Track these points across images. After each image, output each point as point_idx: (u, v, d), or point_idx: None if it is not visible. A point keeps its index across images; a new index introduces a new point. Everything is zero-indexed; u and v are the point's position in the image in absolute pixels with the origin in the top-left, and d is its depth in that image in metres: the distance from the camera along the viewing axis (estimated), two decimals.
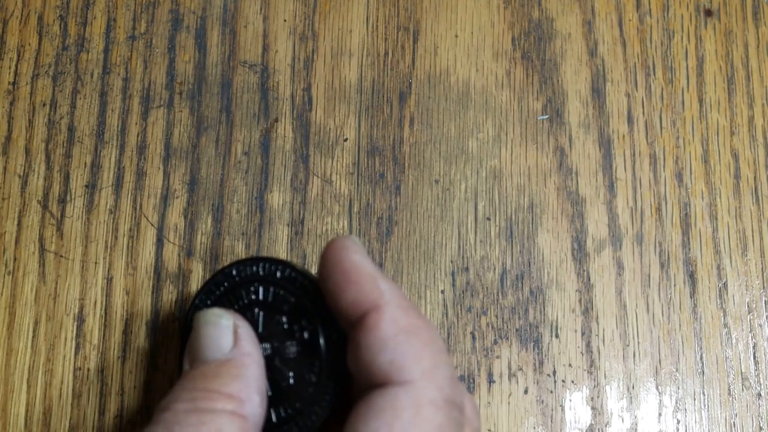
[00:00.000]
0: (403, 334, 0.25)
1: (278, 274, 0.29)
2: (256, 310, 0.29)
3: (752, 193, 0.37)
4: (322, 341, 0.27)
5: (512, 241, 0.36)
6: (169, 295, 0.35)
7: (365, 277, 0.26)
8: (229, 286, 0.29)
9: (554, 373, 0.35)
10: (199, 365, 0.27)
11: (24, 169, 0.36)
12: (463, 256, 0.36)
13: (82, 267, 0.35)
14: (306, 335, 0.28)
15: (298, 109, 0.37)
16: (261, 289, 0.29)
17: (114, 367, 0.35)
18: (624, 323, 0.35)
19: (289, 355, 0.28)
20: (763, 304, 0.36)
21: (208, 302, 0.30)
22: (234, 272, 0.29)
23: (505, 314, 0.35)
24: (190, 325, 0.29)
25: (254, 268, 0.29)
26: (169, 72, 0.38)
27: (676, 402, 0.34)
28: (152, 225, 0.36)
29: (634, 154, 0.37)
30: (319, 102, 0.37)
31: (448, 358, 0.25)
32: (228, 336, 0.27)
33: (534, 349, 0.35)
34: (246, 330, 0.27)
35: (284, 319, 0.28)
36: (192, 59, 0.38)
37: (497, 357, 0.35)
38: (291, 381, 0.28)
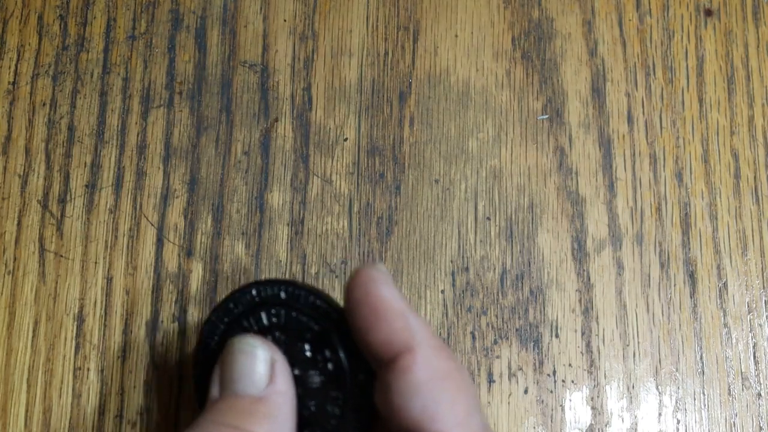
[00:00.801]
0: (436, 379, 0.23)
1: (301, 299, 0.27)
2: (277, 333, 0.27)
3: (752, 193, 0.37)
4: (348, 376, 0.26)
5: (512, 241, 0.36)
6: (169, 295, 0.35)
7: (396, 315, 0.24)
8: (248, 307, 0.28)
9: (554, 373, 0.35)
10: (230, 397, 0.25)
11: (24, 169, 0.36)
12: (463, 256, 0.36)
13: (82, 267, 0.35)
14: (330, 367, 0.27)
15: (298, 109, 0.37)
16: (283, 313, 0.28)
17: (114, 367, 0.35)
18: (624, 323, 0.35)
19: (312, 385, 0.27)
20: (763, 304, 0.36)
21: (225, 320, 0.28)
22: (254, 292, 0.28)
23: (505, 314, 0.35)
24: (206, 342, 0.28)
25: (276, 291, 0.28)
26: (169, 72, 0.38)
27: (676, 402, 0.34)
28: (152, 225, 0.36)
29: (634, 154, 0.37)
30: (319, 102, 0.37)
31: (478, 403, 0.24)
32: (264, 370, 0.25)
33: (534, 349, 0.35)
34: (282, 366, 0.26)
35: (307, 346, 0.27)
36: (192, 59, 0.38)
37: (497, 357, 0.35)
38: (312, 409, 0.27)
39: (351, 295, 0.25)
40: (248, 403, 0.25)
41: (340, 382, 0.27)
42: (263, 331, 0.28)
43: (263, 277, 0.33)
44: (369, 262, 0.25)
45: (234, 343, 0.26)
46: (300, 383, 0.27)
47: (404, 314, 0.24)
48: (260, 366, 0.25)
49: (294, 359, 0.27)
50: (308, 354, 0.27)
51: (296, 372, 0.27)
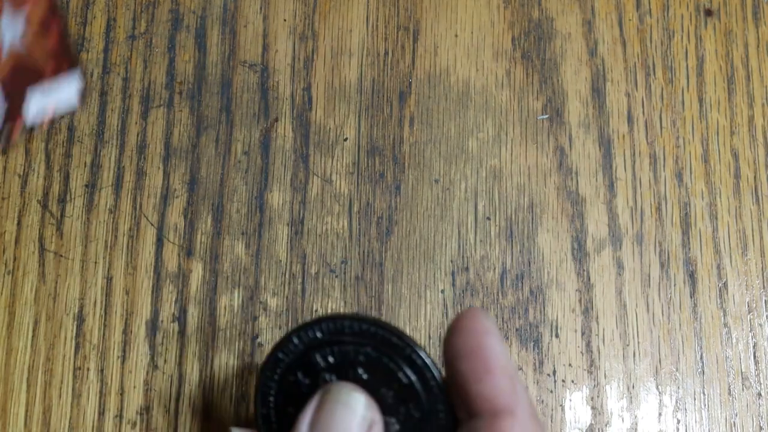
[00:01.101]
0: None
1: (397, 350, 0.26)
2: (360, 370, 0.26)
3: (752, 193, 0.37)
4: (431, 420, 0.25)
5: (512, 241, 0.36)
6: (169, 294, 0.35)
7: (505, 374, 0.24)
8: (336, 345, 0.26)
9: (554, 372, 0.35)
10: None
11: (24, 169, 0.36)
12: (463, 256, 0.36)
13: (82, 266, 0.35)
14: (417, 415, 0.26)
15: (298, 109, 0.37)
16: (372, 354, 0.26)
17: (114, 367, 0.35)
18: (624, 323, 0.35)
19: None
20: (763, 304, 0.36)
21: (301, 346, 0.26)
22: (347, 328, 0.26)
23: (505, 314, 0.35)
24: (269, 375, 0.26)
25: (365, 327, 0.26)
26: (168, 71, 0.38)
27: (676, 402, 0.34)
28: (152, 224, 0.36)
29: (634, 154, 0.37)
30: (319, 101, 0.37)
31: None
32: (362, 426, 0.24)
33: (534, 349, 0.35)
34: (379, 429, 0.25)
35: (391, 394, 0.26)
36: (192, 59, 0.38)
37: None
38: None
39: (460, 340, 0.24)
40: None
41: (422, 425, 0.26)
42: (346, 366, 0.26)
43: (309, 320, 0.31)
44: (476, 310, 0.24)
45: (334, 391, 0.25)
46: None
47: (512, 375, 0.24)
48: (359, 424, 0.25)
49: (378, 405, 0.26)
50: (390, 401, 0.26)
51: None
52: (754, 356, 0.35)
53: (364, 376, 0.26)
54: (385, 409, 0.26)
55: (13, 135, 0.35)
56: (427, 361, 0.26)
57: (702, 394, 0.35)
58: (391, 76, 0.38)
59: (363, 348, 0.26)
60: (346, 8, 0.38)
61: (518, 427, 0.23)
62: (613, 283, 0.35)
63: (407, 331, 0.35)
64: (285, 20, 0.38)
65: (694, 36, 0.38)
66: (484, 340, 0.24)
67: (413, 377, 0.26)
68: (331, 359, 0.26)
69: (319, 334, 0.26)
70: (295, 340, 0.26)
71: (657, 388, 0.35)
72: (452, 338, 0.24)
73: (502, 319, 0.35)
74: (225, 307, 0.35)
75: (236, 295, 0.35)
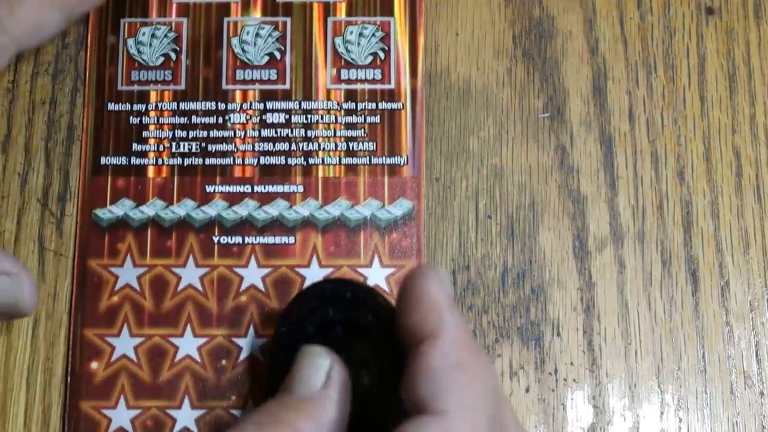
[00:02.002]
0: (449, 367, 0.25)
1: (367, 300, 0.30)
2: (339, 329, 0.30)
3: (754, 191, 0.36)
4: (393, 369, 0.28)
5: (513, 240, 0.36)
6: None
7: (432, 306, 0.26)
8: (319, 302, 0.30)
9: (556, 371, 0.34)
10: (284, 395, 0.28)
11: (23, 168, 0.36)
12: (464, 255, 0.36)
13: None
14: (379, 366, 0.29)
15: None
16: (348, 311, 0.30)
17: None
18: (626, 321, 0.35)
19: (364, 383, 0.29)
20: (765, 302, 0.35)
21: (299, 312, 0.31)
22: (324, 288, 0.31)
23: (506, 313, 0.35)
24: (277, 350, 0.30)
25: (342, 288, 0.31)
26: None
27: (678, 401, 0.34)
28: None
29: (635, 152, 0.37)
30: None
31: (498, 400, 0.26)
32: (320, 376, 0.27)
33: (535, 348, 0.35)
34: (338, 374, 0.28)
35: (364, 346, 0.29)
36: None
37: (498, 356, 0.34)
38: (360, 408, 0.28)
39: (401, 286, 0.27)
40: (296, 401, 0.27)
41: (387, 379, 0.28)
42: (327, 326, 0.30)
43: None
44: (420, 268, 0.27)
45: (302, 351, 0.28)
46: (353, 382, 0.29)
47: (440, 307, 0.26)
48: (318, 372, 0.28)
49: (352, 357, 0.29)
50: (362, 355, 0.29)
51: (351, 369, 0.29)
52: (756, 355, 0.35)
53: (341, 334, 0.30)
54: (359, 363, 0.29)
55: None
56: (387, 308, 0.29)
57: (704, 393, 0.34)
58: None
59: (340, 308, 0.30)
60: None
61: (438, 348, 0.25)
62: (615, 281, 0.35)
63: None
64: None
65: (696, 34, 0.38)
66: (417, 280, 0.26)
67: (378, 329, 0.29)
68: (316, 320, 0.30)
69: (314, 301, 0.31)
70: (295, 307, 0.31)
71: (659, 386, 0.34)
72: (399, 291, 0.27)
73: (504, 317, 0.35)
74: None
75: None
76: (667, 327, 0.35)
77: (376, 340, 0.29)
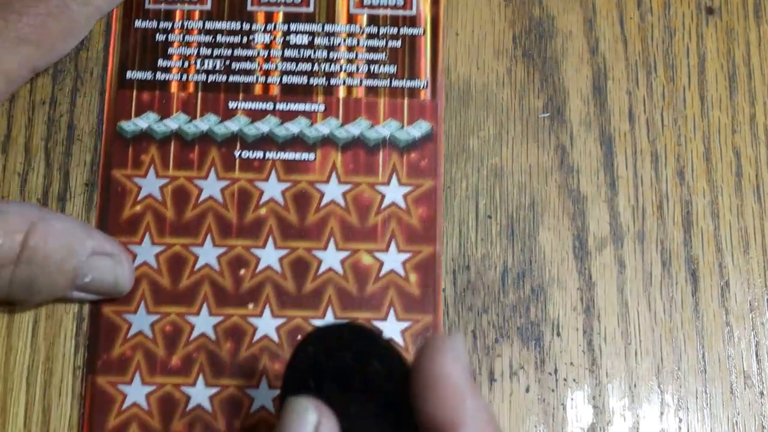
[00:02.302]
0: None
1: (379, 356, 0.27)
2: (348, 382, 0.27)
3: (754, 191, 0.36)
4: None
5: (513, 240, 0.36)
6: None
7: (451, 390, 0.24)
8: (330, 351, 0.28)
9: (555, 371, 0.34)
10: None
11: (23, 168, 0.36)
12: (464, 254, 0.36)
13: None
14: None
15: None
16: (358, 365, 0.27)
17: None
18: (626, 321, 0.35)
19: None
20: (766, 302, 0.35)
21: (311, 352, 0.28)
22: (341, 333, 0.28)
23: (506, 313, 0.35)
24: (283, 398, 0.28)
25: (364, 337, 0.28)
26: None
27: (678, 401, 0.34)
28: None
29: (635, 152, 0.37)
30: None
31: None
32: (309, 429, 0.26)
33: (535, 348, 0.35)
34: (327, 428, 0.26)
35: (373, 406, 0.27)
36: None
37: (498, 356, 0.34)
38: None
39: (416, 360, 0.25)
40: None
41: None
42: (339, 377, 0.27)
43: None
44: (449, 332, 0.26)
45: (289, 402, 0.27)
46: None
47: (462, 393, 0.24)
48: (305, 427, 0.26)
49: (357, 416, 0.27)
50: (375, 416, 0.27)
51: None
52: (756, 355, 0.35)
53: (349, 385, 0.27)
54: (363, 422, 0.27)
55: None
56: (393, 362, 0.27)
57: (704, 393, 0.34)
58: None
59: (340, 355, 0.27)
60: None
61: None
62: (615, 281, 0.35)
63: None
64: None
65: (696, 34, 0.38)
66: (436, 359, 0.25)
67: (383, 376, 0.27)
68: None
69: (310, 348, 0.28)
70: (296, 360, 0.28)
71: (659, 387, 0.34)
72: (413, 369, 0.25)
73: (504, 317, 0.35)
74: None
75: None
76: (667, 327, 0.35)
77: (386, 395, 0.27)
